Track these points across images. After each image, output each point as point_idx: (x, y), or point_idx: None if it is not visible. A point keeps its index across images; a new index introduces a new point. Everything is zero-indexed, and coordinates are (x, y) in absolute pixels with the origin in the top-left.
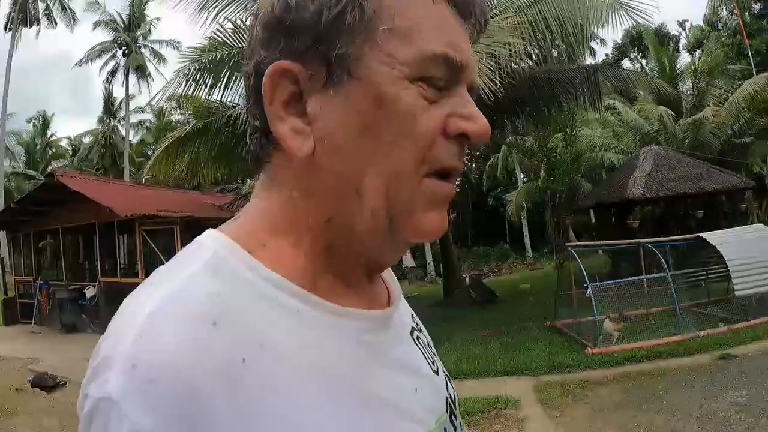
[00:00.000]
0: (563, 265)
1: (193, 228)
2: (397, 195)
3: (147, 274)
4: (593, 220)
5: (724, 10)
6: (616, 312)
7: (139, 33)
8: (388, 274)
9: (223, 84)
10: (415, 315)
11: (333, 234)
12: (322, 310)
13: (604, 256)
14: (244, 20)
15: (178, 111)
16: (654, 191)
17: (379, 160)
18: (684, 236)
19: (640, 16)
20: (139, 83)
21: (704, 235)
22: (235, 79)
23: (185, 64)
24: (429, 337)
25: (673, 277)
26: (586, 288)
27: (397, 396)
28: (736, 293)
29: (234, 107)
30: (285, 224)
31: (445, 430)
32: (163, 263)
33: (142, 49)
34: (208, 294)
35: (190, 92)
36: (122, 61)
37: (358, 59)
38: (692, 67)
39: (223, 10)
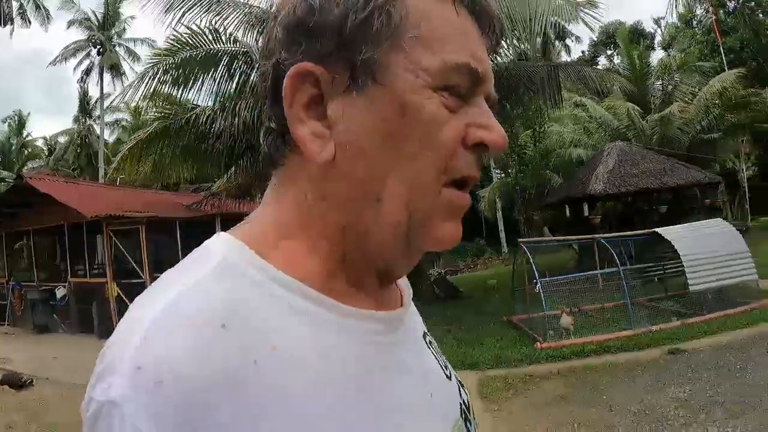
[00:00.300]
0: (517, 261)
1: (158, 228)
2: (418, 204)
3: (115, 274)
4: (568, 215)
5: (699, 8)
6: (569, 307)
7: (113, 31)
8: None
9: (184, 85)
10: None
11: (349, 241)
12: (335, 312)
13: (572, 251)
14: (200, 24)
15: (154, 109)
16: (616, 187)
17: (401, 167)
18: (639, 231)
19: (590, 15)
20: (113, 82)
21: (659, 230)
22: (196, 80)
23: (147, 66)
24: (435, 342)
25: (625, 272)
26: (536, 284)
27: (412, 400)
28: (690, 288)
29: (193, 109)
30: (299, 228)
31: None
32: (129, 262)
33: (117, 48)
34: (216, 297)
35: (151, 95)
36: (97, 59)
37: (384, 65)
38: (661, 65)
39: (188, 11)
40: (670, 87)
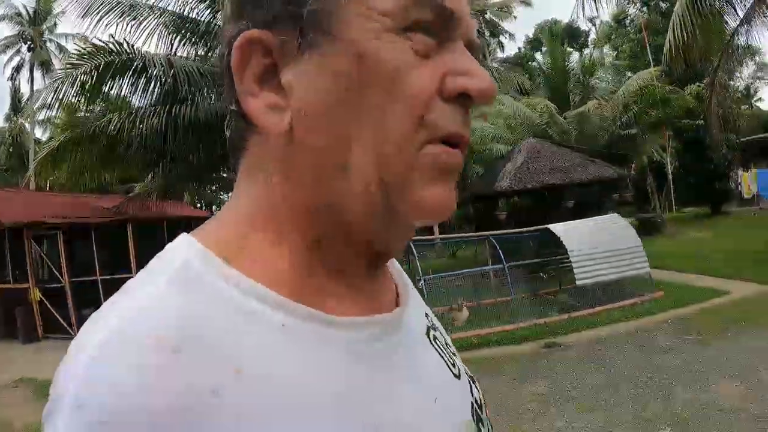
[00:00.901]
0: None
1: (77, 233)
2: (392, 166)
3: (37, 280)
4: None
5: (632, 7)
6: (462, 301)
7: (44, 27)
8: (395, 268)
9: (92, 95)
10: (429, 311)
11: (322, 223)
12: (312, 321)
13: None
14: (117, 28)
15: (87, 108)
16: (522, 183)
17: (366, 126)
18: (532, 227)
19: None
20: (44, 79)
21: (550, 226)
22: (106, 88)
23: (60, 74)
24: (447, 335)
25: (511, 267)
26: (419, 280)
27: (411, 412)
28: (577, 282)
29: (101, 118)
30: (265, 219)
31: None
32: (50, 268)
33: (48, 44)
34: (171, 315)
35: (60, 102)
36: (27, 56)
37: (333, 14)
38: (581, 63)
39: (105, 15)
40: (591, 84)
